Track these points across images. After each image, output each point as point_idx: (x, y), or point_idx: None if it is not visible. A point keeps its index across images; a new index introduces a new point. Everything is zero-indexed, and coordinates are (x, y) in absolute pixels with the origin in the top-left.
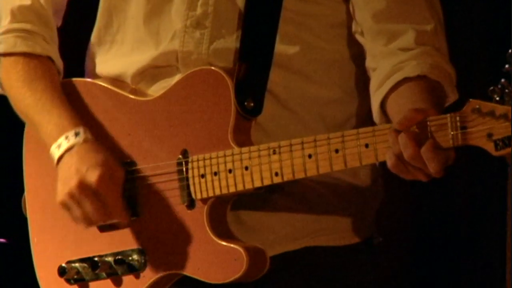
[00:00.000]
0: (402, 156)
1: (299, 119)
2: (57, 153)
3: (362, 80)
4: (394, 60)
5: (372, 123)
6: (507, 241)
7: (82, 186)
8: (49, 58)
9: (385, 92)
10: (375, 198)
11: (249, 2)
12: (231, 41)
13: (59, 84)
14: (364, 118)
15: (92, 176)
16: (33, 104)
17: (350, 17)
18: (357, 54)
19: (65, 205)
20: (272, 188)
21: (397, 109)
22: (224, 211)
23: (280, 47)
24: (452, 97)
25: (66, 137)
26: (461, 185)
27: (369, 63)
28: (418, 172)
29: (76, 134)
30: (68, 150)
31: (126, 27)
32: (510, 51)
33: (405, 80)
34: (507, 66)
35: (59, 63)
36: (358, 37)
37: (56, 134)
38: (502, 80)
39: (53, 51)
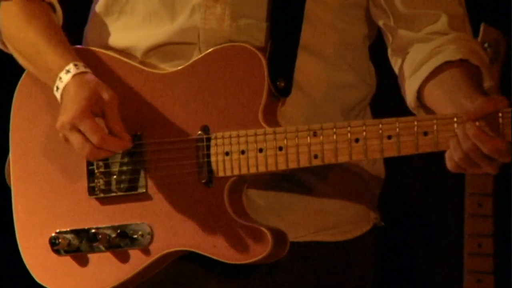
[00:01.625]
0: (473, 150)
1: (314, 102)
2: (61, 87)
3: (370, 65)
4: (431, 44)
5: (377, 110)
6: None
7: (62, 124)
8: (50, 4)
9: (424, 76)
10: (377, 182)
11: None
12: (255, 19)
13: (55, 23)
14: (367, 104)
15: (67, 115)
16: (32, 44)
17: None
18: (369, 38)
19: (64, 130)
20: (286, 176)
21: (444, 94)
22: (242, 191)
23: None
24: (488, 83)
25: (75, 65)
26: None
27: (396, 51)
28: (489, 164)
29: (68, 71)
30: (66, 85)
31: (131, 5)
32: None
33: (446, 64)
34: None
35: (60, 13)
36: (382, 22)
37: (55, 73)
38: None
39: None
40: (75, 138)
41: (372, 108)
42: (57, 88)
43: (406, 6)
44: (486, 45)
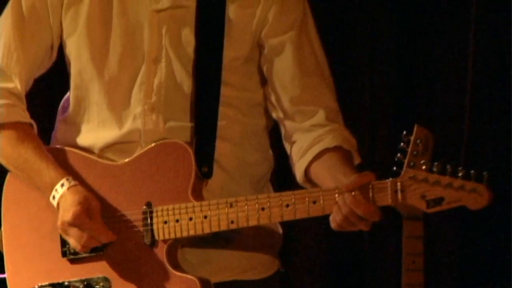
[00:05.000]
0: (350, 213)
1: (231, 177)
2: (57, 197)
3: (269, 145)
4: (312, 134)
5: (279, 182)
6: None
7: (63, 223)
8: (30, 124)
9: (309, 160)
10: (279, 238)
11: (195, 91)
12: (181, 121)
13: (41, 143)
14: (268, 177)
15: (68, 216)
16: (28, 160)
17: (266, 100)
18: (268, 127)
19: (64, 226)
20: (216, 234)
21: (325, 172)
22: (177, 249)
23: (218, 124)
24: (357, 160)
25: (67, 179)
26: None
27: (287, 136)
28: (361, 223)
29: (62, 185)
30: (62, 195)
31: (91, 111)
32: (404, 132)
33: (325, 150)
34: (405, 133)
35: (35, 128)
36: (276, 115)
37: (50, 184)
38: (402, 143)
39: (29, 117)
40: (74, 232)
41: (275, 178)
42: (54, 197)
43: (292, 104)
44: (418, 141)
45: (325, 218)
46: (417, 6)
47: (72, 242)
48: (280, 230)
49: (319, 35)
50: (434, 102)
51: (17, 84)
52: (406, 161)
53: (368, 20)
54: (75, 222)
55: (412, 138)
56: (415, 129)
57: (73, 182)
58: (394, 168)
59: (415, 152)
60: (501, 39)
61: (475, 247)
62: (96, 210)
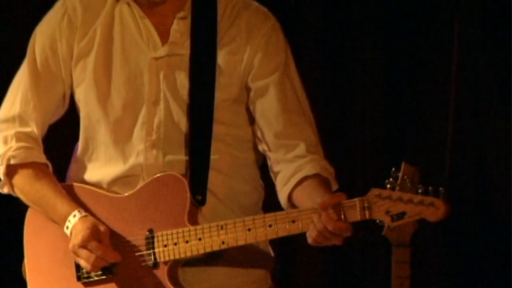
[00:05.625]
0: (324, 229)
1: (224, 206)
2: (70, 227)
3: (259, 177)
4: (294, 164)
5: (267, 209)
6: None
7: (74, 246)
8: (47, 165)
9: (292, 186)
10: (270, 259)
11: (190, 129)
12: (178, 155)
13: (56, 181)
14: (260, 204)
15: (77, 239)
16: (44, 196)
17: (254, 136)
18: (258, 161)
19: (75, 248)
20: (211, 254)
21: (305, 196)
22: (177, 269)
23: (211, 157)
24: (334, 187)
25: (79, 211)
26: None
27: (272, 167)
28: (335, 238)
29: (74, 216)
30: (74, 225)
31: (99, 150)
32: (393, 169)
33: (306, 177)
34: (393, 169)
35: (50, 167)
36: (262, 148)
37: (64, 216)
38: (391, 179)
39: (45, 158)
40: (84, 254)
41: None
42: (67, 227)
43: (276, 138)
44: (405, 177)
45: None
46: (400, 29)
47: (83, 263)
48: (271, 252)
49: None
50: (419, 129)
51: (34, 129)
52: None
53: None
54: (84, 244)
55: (400, 174)
56: (402, 166)
57: (83, 213)
58: None
59: (403, 186)
60: (484, 56)
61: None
62: (104, 234)
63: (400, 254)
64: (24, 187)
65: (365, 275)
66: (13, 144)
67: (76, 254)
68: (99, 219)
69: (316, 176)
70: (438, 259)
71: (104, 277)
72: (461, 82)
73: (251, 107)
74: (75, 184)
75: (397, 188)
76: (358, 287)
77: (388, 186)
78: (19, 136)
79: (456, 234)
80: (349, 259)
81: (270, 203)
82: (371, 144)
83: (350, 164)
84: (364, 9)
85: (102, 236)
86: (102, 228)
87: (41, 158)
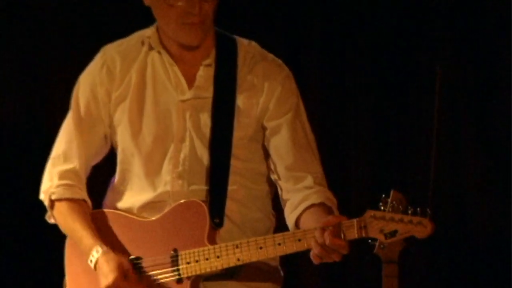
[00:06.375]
0: (325, 244)
1: (239, 229)
2: (93, 261)
3: (271, 207)
4: (302, 193)
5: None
6: None
7: (113, 284)
8: (84, 200)
9: (299, 212)
10: (279, 276)
11: (211, 163)
12: (200, 185)
13: (89, 216)
14: (272, 231)
15: (108, 282)
16: (74, 229)
17: (268, 168)
18: (271, 192)
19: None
20: (228, 270)
21: (311, 220)
22: (199, 284)
23: (229, 188)
24: (336, 214)
25: (97, 251)
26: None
27: (283, 195)
28: (334, 254)
29: (97, 251)
30: (97, 260)
31: (132, 181)
32: (383, 195)
33: (312, 205)
34: (384, 196)
35: (89, 202)
36: (274, 179)
37: (89, 249)
38: (380, 203)
39: (85, 195)
40: None
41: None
42: (91, 260)
43: (287, 170)
44: (394, 202)
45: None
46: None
47: None
48: (281, 271)
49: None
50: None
51: (76, 165)
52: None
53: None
54: (115, 286)
55: (389, 200)
56: (391, 193)
57: (104, 249)
58: None
59: (391, 211)
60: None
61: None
62: (128, 270)
63: (389, 269)
64: (61, 219)
65: None
66: (55, 181)
67: None
68: (129, 242)
69: (321, 204)
70: (421, 274)
71: None
72: (442, 124)
73: (266, 143)
74: (109, 210)
75: (389, 209)
76: None
77: (382, 208)
78: (61, 174)
79: (437, 252)
80: (344, 276)
81: (281, 230)
82: (364, 175)
83: (345, 192)
84: (357, 52)
85: (127, 273)
86: (125, 265)
87: (79, 194)
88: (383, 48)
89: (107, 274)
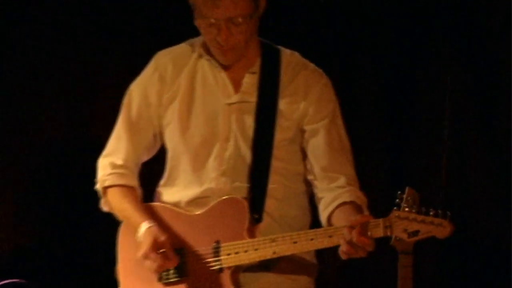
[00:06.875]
0: (352, 242)
1: (278, 225)
2: (140, 236)
3: (308, 205)
4: (335, 192)
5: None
6: None
7: (140, 257)
8: (134, 187)
9: (331, 210)
10: (314, 268)
11: (253, 162)
12: (242, 183)
13: (140, 200)
14: (308, 227)
15: (140, 253)
16: (125, 209)
17: (305, 168)
18: (308, 191)
19: (142, 257)
20: (265, 262)
21: (342, 218)
22: (238, 273)
23: (269, 186)
24: (366, 213)
25: (148, 222)
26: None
27: (317, 194)
28: (361, 251)
29: (143, 226)
30: (142, 234)
31: (180, 177)
32: (399, 192)
33: (343, 203)
34: (399, 192)
35: (139, 190)
36: (310, 178)
37: (138, 225)
38: (396, 200)
39: (136, 184)
40: (147, 263)
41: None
42: (139, 236)
43: (322, 171)
44: (408, 198)
45: None
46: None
47: (149, 268)
48: (316, 262)
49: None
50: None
51: (127, 160)
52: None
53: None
54: (146, 256)
55: (404, 196)
56: (406, 190)
57: (150, 224)
58: None
59: (406, 206)
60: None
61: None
62: (164, 243)
63: (405, 260)
64: (113, 203)
65: (377, 278)
66: (108, 171)
67: (143, 262)
68: (175, 233)
69: (352, 203)
70: (434, 265)
71: (179, 278)
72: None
73: (304, 145)
74: (159, 204)
75: (405, 205)
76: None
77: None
78: (114, 165)
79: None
80: (362, 265)
81: (316, 226)
82: (381, 175)
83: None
84: (369, 57)
85: (162, 246)
86: (162, 238)
87: (130, 182)
88: (396, 50)
89: (143, 244)
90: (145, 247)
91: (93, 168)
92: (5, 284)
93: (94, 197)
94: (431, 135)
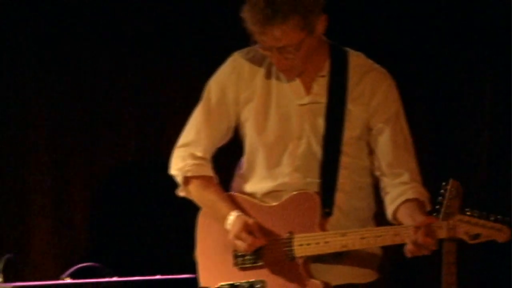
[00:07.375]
0: (418, 242)
1: (345, 217)
2: (230, 224)
3: (373, 196)
4: (399, 189)
5: (376, 221)
6: None
7: (231, 238)
8: (213, 177)
9: (396, 205)
10: (378, 258)
11: (324, 159)
12: (314, 178)
13: (222, 189)
14: (372, 217)
15: (232, 233)
16: (212, 199)
17: (371, 163)
18: (373, 184)
19: (232, 238)
20: (334, 254)
21: (406, 215)
22: (308, 263)
23: (338, 181)
24: (428, 208)
25: (237, 211)
26: None
27: (383, 189)
28: (425, 250)
29: (232, 215)
30: (232, 221)
31: (256, 171)
32: (444, 183)
33: (407, 200)
34: (444, 183)
35: (216, 179)
36: (377, 174)
37: (225, 216)
38: (440, 195)
39: (214, 174)
40: (239, 243)
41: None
42: (228, 224)
43: (387, 167)
44: (452, 189)
45: None
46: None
47: (239, 248)
48: (381, 253)
49: None
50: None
51: (203, 151)
52: (445, 201)
53: None
54: (237, 236)
55: (448, 187)
56: (450, 182)
57: (239, 213)
58: (437, 207)
59: (450, 196)
60: None
61: None
62: (252, 225)
63: (449, 246)
64: (197, 193)
65: (422, 264)
66: (189, 161)
67: (234, 242)
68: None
69: (415, 199)
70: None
71: (254, 264)
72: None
73: (371, 142)
74: (236, 194)
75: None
76: (417, 270)
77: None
78: (193, 156)
79: None
80: None
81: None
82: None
83: None
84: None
85: (250, 228)
86: (250, 221)
87: (210, 172)
88: (440, 53)
89: (233, 227)
90: (236, 228)
91: (167, 156)
92: (81, 267)
93: (168, 184)
94: (472, 134)
